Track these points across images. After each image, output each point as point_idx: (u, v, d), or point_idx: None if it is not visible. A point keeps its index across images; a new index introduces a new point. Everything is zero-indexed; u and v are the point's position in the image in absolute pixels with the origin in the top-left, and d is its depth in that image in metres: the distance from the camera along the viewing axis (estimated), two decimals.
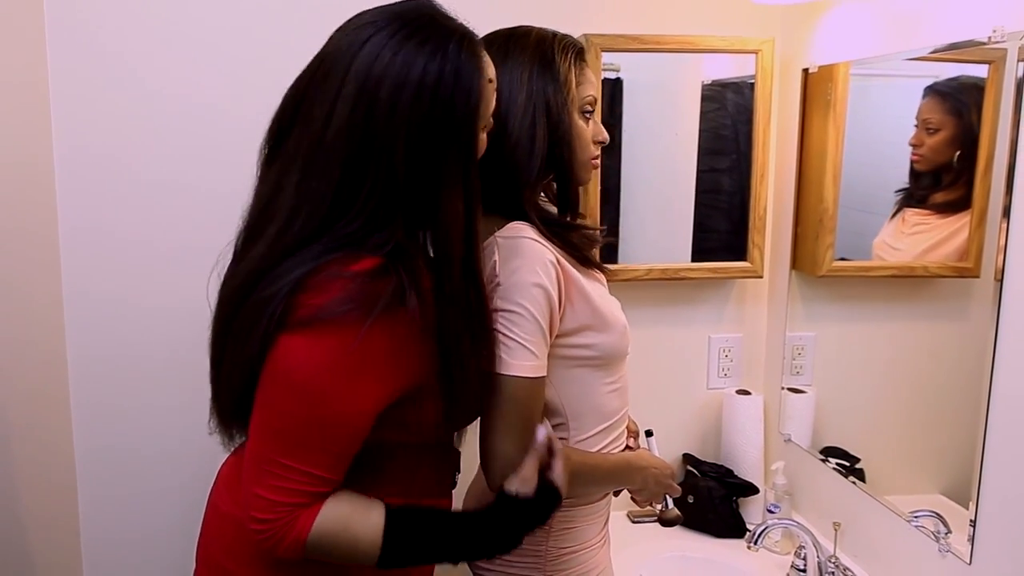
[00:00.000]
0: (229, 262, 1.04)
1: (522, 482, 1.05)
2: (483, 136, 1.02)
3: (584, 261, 1.18)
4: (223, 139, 1.58)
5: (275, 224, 0.95)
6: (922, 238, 1.40)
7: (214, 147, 1.59)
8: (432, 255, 0.98)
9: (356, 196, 0.92)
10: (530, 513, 1.06)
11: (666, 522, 1.31)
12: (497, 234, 1.11)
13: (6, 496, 1.40)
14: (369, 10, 0.97)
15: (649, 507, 1.31)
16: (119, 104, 1.54)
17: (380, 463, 1.01)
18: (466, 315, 0.98)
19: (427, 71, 0.91)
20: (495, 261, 1.08)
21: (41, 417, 1.52)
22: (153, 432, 1.64)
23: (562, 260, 1.12)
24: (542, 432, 1.08)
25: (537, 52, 1.15)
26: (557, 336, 1.13)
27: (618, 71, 1.69)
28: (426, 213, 0.95)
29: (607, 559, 1.29)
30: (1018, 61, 1.15)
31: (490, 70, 1.00)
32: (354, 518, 0.96)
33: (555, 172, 1.19)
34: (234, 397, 0.98)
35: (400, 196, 0.93)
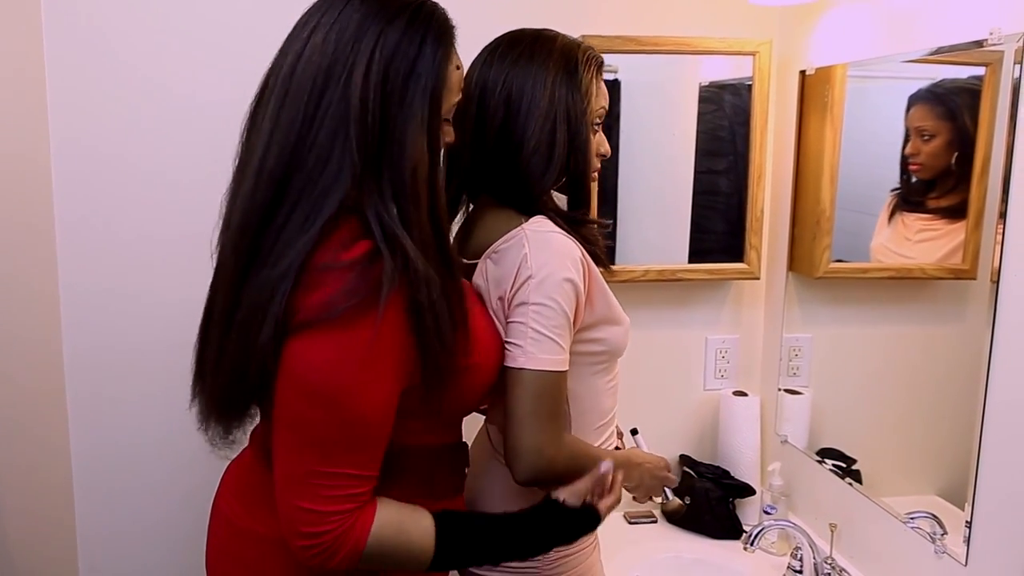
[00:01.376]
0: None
1: (572, 494, 1.07)
2: (446, 128, 1.02)
3: (594, 257, 1.19)
4: (221, 133, 1.54)
5: (254, 161, 0.94)
6: (934, 245, 1.39)
7: (212, 141, 1.57)
8: (398, 204, 0.94)
9: (315, 118, 0.92)
10: (568, 524, 1.07)
11: (670, 513, 1.32)
12: (524, 226, 1.12)
13: (1, 491, 1.39)
14: None
15: (650, 501, 1.32)
16: (117, 97, 1.54)
17: (399, 468, 1.00)
18: (436, 268, 0.95)
19: (397, 19, 0.95)
20: (525, 253, 1.09)
21: (37, 414, 1.52)
22: (151, 429, 1.63)
23: (586, 255, 1.14)
24: (607, 465, 1.10)
25: (562, 59, 1.15)
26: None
27: (616, 72, 1.69)
28: (391, 148, 0.93)
29: (599, 562, 1.30)
30: (1014, 63, 1.15)
31: (458, 57, 1.01)
32: (407, 524, 0.96)
33: (567, 179, 1.20)
34: (247, 390, 0.95)
35: (360, 121, 0.91)
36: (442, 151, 1.02)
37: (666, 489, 1.30)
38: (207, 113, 1.57)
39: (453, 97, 1.01)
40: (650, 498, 1.31)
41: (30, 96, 1.49)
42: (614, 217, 1.74)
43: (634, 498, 1.34)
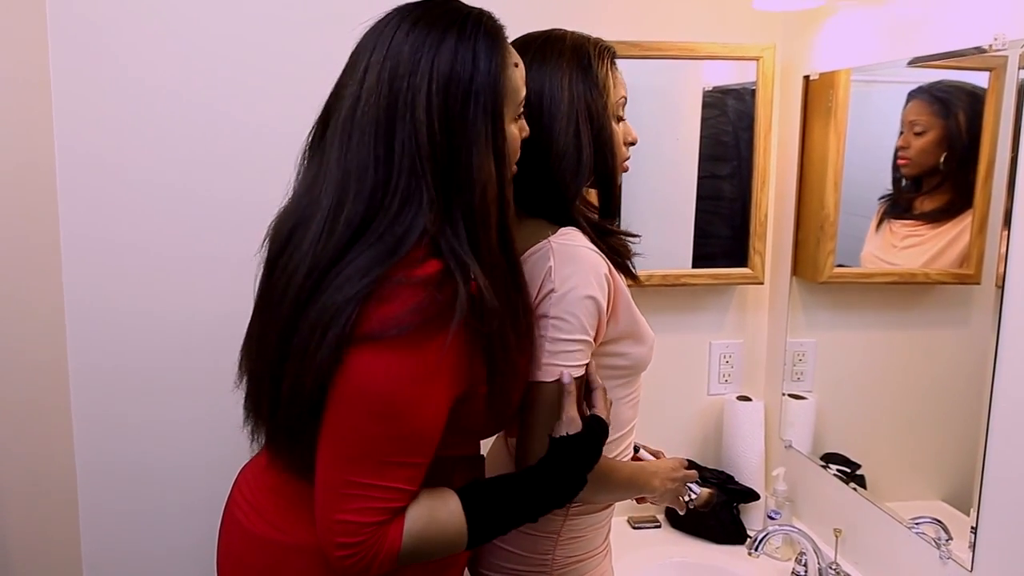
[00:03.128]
0: (265, 263, 1.03)
1: (568, 423, 1.05)
2: (519, 124, 1.03)
3: (621, 268, 1.18)
4: (228, 144, 1.58)
5: (324, 206, 0.94)
6: (918, 251, 1.40)
7: (219, 152, 1.58)
8: (467, 229, 0.95)
9: (391, 161, 0.92)
10: (584, 449, 1.05)
11: (702, 505, 1.31)
12: (551, 239, 1.10)
13: (4, 510, 1.38)
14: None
15: (682, 503, 1.31)
16: (123, 108, 1.53)
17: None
18: (505, 288, 0.97)
19: (446, 39, 0.95)
20: (550, 266, 1.08)
21: (42, 428, 1.51)
22: (157, 443, 1.62)
23: (613, 271, 1.12)
24: (567, 375, 1.07)
25: (574, 56, 1.15)
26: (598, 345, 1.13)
27: None
28: (458, 174, 0.94)
29: (610, 567, 1.29)
30: (1019, 68, 1.15)
31: (514, 54, 1.01)
32: (436, 512, 0.95)
33: (596, 177, 1.19)
34: (305, 409, 0.93)
35: (430, 155, 0.92)
36: (519, 147, 1.05)
37: (690, 485, 1.29)
38: (215, 126, 1.57)
39: (518, 96, 1.02)
40: (679, 498, 1.31)
41: (35, 107, 1.48)
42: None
43: (658, 503, 1.33)
